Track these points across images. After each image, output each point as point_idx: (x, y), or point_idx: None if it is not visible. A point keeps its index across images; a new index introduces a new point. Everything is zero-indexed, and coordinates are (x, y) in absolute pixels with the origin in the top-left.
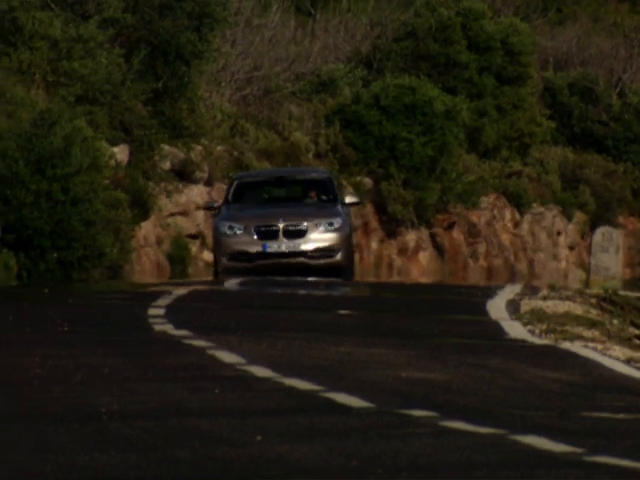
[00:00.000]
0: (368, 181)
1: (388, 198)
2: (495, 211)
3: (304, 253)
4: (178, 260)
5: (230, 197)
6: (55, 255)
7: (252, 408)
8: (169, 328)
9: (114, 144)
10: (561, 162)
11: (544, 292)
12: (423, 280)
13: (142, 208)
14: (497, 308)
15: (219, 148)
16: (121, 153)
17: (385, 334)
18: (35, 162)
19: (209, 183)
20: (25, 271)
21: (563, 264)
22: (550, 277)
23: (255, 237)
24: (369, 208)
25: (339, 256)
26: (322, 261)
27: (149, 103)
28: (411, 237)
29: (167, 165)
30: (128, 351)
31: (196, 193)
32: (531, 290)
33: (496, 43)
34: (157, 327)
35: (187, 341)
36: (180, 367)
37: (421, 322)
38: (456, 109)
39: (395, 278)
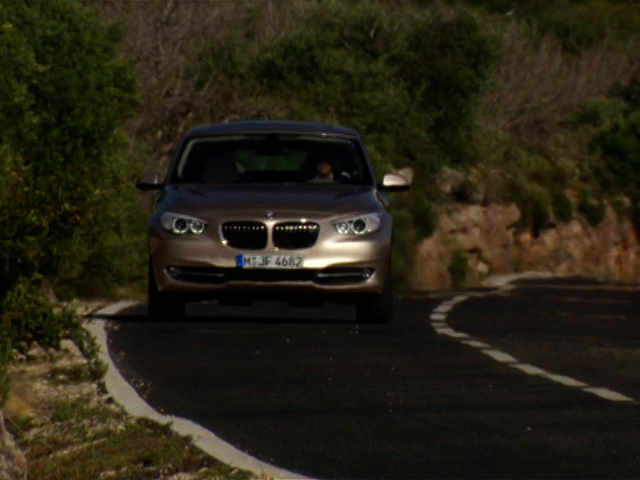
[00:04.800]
0: (627, 201)
1: None
2: None
3: (310, 273)
4: (458, 272)
5: (180, 169)
6: None
7: (523, 402)
8: (449, 331)
9: (399, 167)
10: None
11: None
12: None
13: (425, 226)
14: None
15: (494, 171)
16: (406, 176)
17: None
18: None
19: (485, 203)
20: None
21: None
22: None
23: (224, 241)
24: (627, 225)
25: (372, 279)
26: (342, 287)
27: (431, 131)
28: None
29: (448, 187)
30: (412, 351)
31: (474, 212)
32: None
33: None
34: (439, 330)
35: (465, 342)
36: (458, 365)
37: None
38: None
39: None
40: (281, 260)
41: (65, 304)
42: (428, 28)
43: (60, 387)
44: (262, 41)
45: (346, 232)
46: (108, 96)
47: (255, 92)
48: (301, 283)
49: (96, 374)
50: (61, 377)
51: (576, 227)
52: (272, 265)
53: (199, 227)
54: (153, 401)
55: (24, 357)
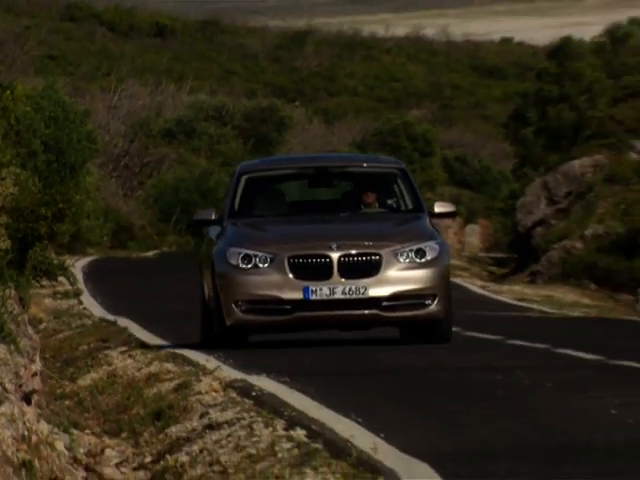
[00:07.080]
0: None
1: None
2: None
3: (376, 301)
4: None
5: (237, 204)
6: None
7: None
8: None
9: None
10: (450, 195)
11: None
12: None
13: None
14: None
15: None
16: None
17: None
18: None
19: None
20: None
21: (450, 242)
22: None
23: (290, 275)
24: None
25: (435, 305)
26: (406, 314)
27: None
28: None
29: None
30: None
31: None
32: None
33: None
34: None
35: None
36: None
37: None
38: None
39: None
40: (347, 290)
41: (60, 258)
42: (254, 110)
43: (58, 301)
44: (165, 117)
45: (407, 260)
46: (83, 147)
47: (161, 145)
48: (367, 312)
49: (77, 294)
50: (58, 296)
51: None
52: (338, 295)
53: (265, 261)
54: (107, 309)
55: (38, 285)
